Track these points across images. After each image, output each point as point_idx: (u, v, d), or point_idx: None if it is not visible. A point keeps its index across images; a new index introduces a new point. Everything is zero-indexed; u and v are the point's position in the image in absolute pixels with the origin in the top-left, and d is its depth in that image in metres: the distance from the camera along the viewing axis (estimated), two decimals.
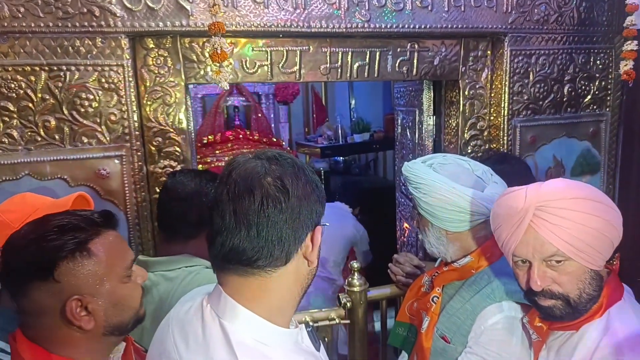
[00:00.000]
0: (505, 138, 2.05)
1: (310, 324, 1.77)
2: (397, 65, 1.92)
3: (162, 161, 1.73)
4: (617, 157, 2.25)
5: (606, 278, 1.05)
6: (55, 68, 1.56)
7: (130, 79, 1.63)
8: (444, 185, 1.22)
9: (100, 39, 1.58)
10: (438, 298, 1.31)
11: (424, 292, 1.40)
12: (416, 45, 1.92)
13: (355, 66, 1.88)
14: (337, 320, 1.82)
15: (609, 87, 2.18)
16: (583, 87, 2.14)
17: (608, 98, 2.19)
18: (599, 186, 2.23)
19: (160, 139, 1.72)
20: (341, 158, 5.02)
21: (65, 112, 1.59)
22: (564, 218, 0.96)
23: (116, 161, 1.65)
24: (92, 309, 0.88)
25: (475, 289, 1.24)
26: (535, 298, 1.04)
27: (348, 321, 1.85)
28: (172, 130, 1.73)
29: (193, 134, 1.81)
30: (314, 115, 5.47)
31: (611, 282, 1.05)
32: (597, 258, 0.99)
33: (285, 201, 0.74)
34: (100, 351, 0.94)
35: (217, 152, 3.98)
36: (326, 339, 1.87)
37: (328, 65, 1.85)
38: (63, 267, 0.85)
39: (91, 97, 1.60)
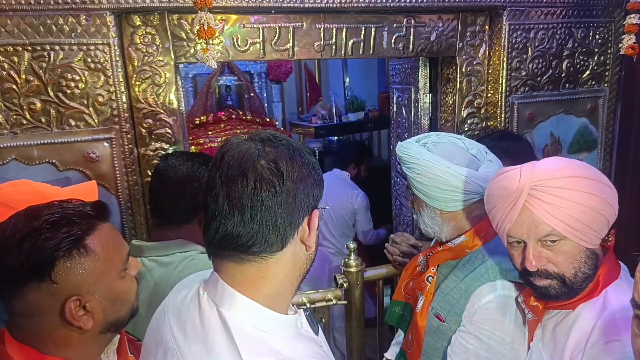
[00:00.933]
0: (502, 115, 2.03)
1: (308, 306, 1.77)
2: (392, 41, 1.87)
3: (153, 143, 1.68)
4: (615, 134, 2.24)
5: (602, 256, 1.05)
6: (38, 48, 1.50)
7: (117, 58, 1.57)
8: (438, 165, 1.20)
9: (84, 17, 1.52)
10: (433, 277, 1.31)
11: (420, 272, 1.40)
12: (412, 21, 1.87)
13: (350, 43, 1.82)
14: (334, 301, 1.82)
15: (607, 62, 2.15)
16: (582, 63, 2.10)
17: (606, 73, 2.16)
18: (596, 163, 2.22)
19: (150, 121, 1.67)
20: (335, 138, 4.97)
21: (51, 93, 1.53)
22: (560, 197, 0.95)
23: (106, 144, 1.60)
24: (90, 307, 0.84)
25: (469, 268, 1.24)
26: (530, 278, 1.04)
27: (345, 302, 1.85)
28: (162, 111, 1.68)
29: (184, 115, 1.77)
30: (308, 94, 5.40)
31: (608, 261, 1.04)
32: (593, 236, 0.98)
33: (280, 184, 0.71)
34: (96, 348, 0.91)
35: (210, 133, 3.93)
36: (323, 320, 1.88)
37: (322, 42, 1.79)
38: (60, 267, 0.81)
39: (77, 77, 1.54)
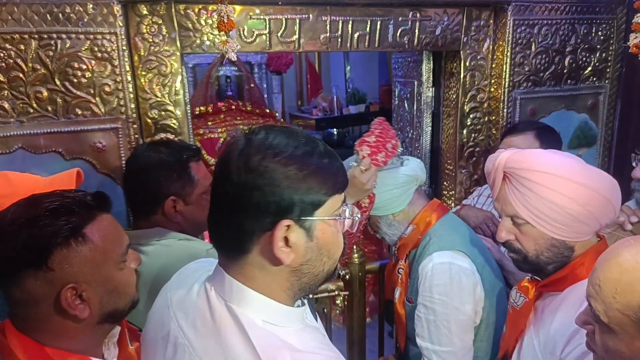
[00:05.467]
0: (505, 110, 2.05)
1: (309, 296, 1.80)
2: (398, 35, 1.88)
3: (159, 134, 1.69)
4: (614, 130, 2.26)
5: (595, 244, 1.08)
6: (45, 36, 1.49)
7: (124, 47, 1.57)
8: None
9: (91, 5, 1.51)
10: (403, 269, 1.45)
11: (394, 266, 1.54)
12: (418, 14, 1.87)
13: (355, 36, 1.83)
14: (337, 292, 1.85)
15: (609, 59, 2.16)
16: (584, 59, 2.12)
17: (608, 70, 2.18)
18: (595, 158, 2.24)
19: (156, 111, 1.68)
20: (335, 130, 4.98)
21: (58, 82, 1.53)
22: (528, 188, 1.02)
23: (112, 134, 1.60)
24: (87, 297, 0.84)
25: (421, 250, 1.38)
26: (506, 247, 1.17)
27: (347, 292, 1.88)
28: (168, 102, 1.68)
29: (189, 106, 1.77)
30: (308, 86, 5.38)
31: (601, 247, 1.07)
32: (561, 230, 1.03)
33: (230, 188, 0.72)
34: (95, 339, 0.91)
35: (210, 123, 3.91)
36: (325, 310, 1.91)
37: (328, 34, 1.79)
38: (57, 255, 0.81)
39: (84, 67, 1.54)
